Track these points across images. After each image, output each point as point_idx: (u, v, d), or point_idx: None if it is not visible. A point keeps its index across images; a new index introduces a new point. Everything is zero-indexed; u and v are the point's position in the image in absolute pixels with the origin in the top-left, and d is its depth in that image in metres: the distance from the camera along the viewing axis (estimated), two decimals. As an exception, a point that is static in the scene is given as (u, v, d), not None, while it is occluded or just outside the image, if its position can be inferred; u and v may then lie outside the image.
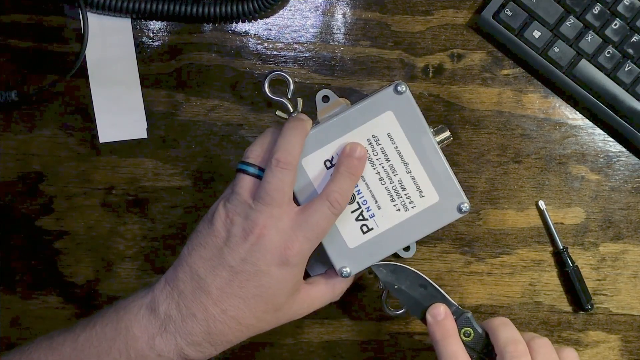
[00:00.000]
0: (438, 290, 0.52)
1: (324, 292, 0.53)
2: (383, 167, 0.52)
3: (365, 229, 0.52)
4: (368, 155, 0.52)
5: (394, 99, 0.51)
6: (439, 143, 0.52)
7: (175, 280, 0.49)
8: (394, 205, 0.52)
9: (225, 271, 0.48)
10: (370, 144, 0.52)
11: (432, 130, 0.52)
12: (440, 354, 0.50)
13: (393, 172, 0.52)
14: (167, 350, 0.48)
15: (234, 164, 0.54)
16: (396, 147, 0.52)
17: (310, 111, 0.53)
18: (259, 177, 0.49)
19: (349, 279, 0.53)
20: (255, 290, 0.48)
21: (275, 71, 0.53)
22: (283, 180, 0.48)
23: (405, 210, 0.52)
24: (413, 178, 0.52)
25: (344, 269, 0.52)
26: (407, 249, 0.54)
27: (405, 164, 0.52)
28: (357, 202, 0.52)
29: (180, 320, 0.48)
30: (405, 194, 0.52)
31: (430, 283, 0.52)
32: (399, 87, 0.51)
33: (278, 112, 0.53)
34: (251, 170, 0.49)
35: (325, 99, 0.53)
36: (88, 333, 0.49)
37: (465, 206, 0.52)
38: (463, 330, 0.51)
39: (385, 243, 0.52)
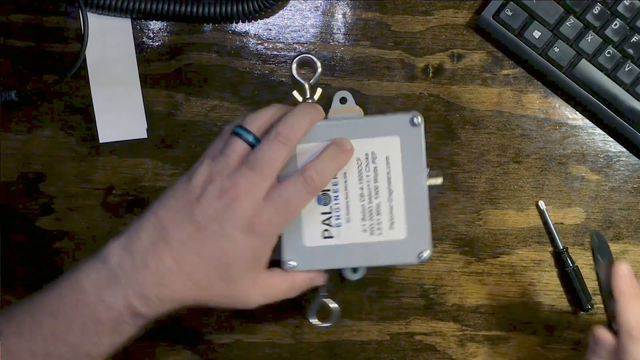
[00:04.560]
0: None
1: (282, 283, 0.51)
2: (369, 185, 0.51)
3: (326, 234, 0.52)
4: (359, 169, 0.51)
5: (406, 126, 0.51)
6: (429, 186, 0.52)
7: (137, 229, 0.48)
8: (362, 225, 0.52)
9: (191, 226, 0.47)
10: (367, 159, 0.51)
11: (428, 170, 0.52)
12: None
13: (375, 194, 0.51)
14: (116, 303, 0.46)
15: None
16: (388, 173, 0.51)
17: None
18: (253, 146, 0.49)
19: (310, 279, 0.52)
20: (215, 251, 0.47)
21: (305, 53, 0.53)
22: (277, 153, 0.48)
23: (370, 234, 0.52)
24: (391, 207, 0.51)
25: (290, 262, 0.51)
26: (355, 270, 0.54)
27: (390, 191, 0.51)
28: (330, 207, 0.52)
29: (132, 269, 0.47)
30: (377, 219, 0.51)
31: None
32: (414, 119, 0.51)
33: (295, 93, 0.53)
34: (249, 137, 0.49)
35: (343, 100, 0.53)
36: (44, 293, 0.48)
37: (426, 254, 0.51)
38: None
39: (338, 256, 0.52)
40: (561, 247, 0.59)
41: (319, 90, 0.53)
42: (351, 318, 0.60)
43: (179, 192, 0.48)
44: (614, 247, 0.61)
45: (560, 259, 0.60)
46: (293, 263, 0.51)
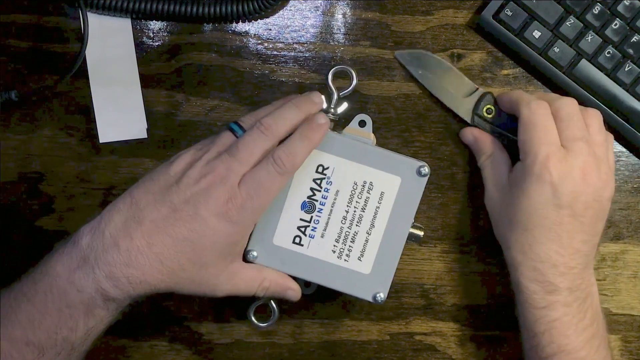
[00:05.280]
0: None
1: (251, 279, 0.51)
2: (355, 212, 0.52)
3: (297, 240, 0.52)
4: (352, 192, 0.52)
5: (411, 172, 0.52)
6: (410, 234, 0.53)
7: (110, 210, 0.48)
8: (334, 246, 0.52)
9: (165, 207, 0.47)
10: (363, 186, 0.52)
11: (413, 222, 0.53)
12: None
13: (357, 223, 0.52)
14: (87, 285, 0.46)
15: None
16: (377, 207, 0.52)
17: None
18: None
19: (281, 287, 0.52)
20: (187, 234, 0.47)
21: (342, 66, 0.54)
22: (256, 141, 0.48)
23: (338, 257, 0.52)
24: (366, 241, 0.52)
25: (252, 252, 0.52)
26: (309, 285, 0.55)
27: (372, 226, 0.52)
28: (311, 217, 0.52)
29: (102, 249, 0.46)
30: (350, 246, 0.52)
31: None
32: (422, 169, 0.52)
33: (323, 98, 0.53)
34: (238, 131, 0.50)
35: (362, 123, 0.54)
36: (20, 282, 0.47)
37: (381, 297, 0.52)
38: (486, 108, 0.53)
39: (300, 265, 0.52)
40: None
41: (345, 105, 0.54)
42: (351, 318, 0.60)
43: (159, 176, 0.48)
44: (614, 247, 0.61)
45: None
46: (254, 253, 0.52)
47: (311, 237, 0.52)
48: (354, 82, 0.54)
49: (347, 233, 0.52)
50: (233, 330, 0.60)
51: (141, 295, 0.48)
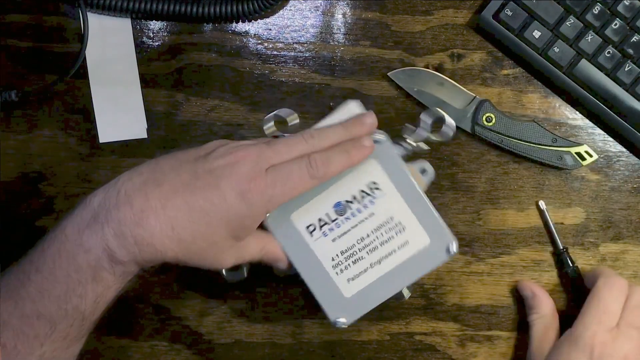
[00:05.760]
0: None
1: (255, 249, 0.50)
2: (374, 241, 0.52)
3: (310, 229, 0.52)
4: (383, 225, 0.51)
5: (441, 243, 0.51)
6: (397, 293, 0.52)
7: (132, 172, 0.47)
8: (337, 256, 0.52)
9: (188, 174, 0.46)
10: (396, 226, 0.52)
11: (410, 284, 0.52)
12: None
13: (369, 251, 0.52)
14: (94, 244, 0.44)
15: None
16: (393, 251, 0.52)
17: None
18: None
19: (275, 255, 0.51)
20: (203, 203, 0.45)
21: (436, 109, 0.53)
22: (296, 143, 0.48)
23: (333, 267, 0.52)
24: (365, 271, 0.52)
25: (340, 319, 0.52)
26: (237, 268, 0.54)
27: (378, 262, 0.52)
28: (337, 219, 0.52)
29: (114, 206, 0.44)
30: (348, 265, 0.52)
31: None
32: (450, 247, 0.51)
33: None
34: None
35: (424, 171, 0.53)
36: (30, 253, 0.46)
37: (341, 322, 0.51)
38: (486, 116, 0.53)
39: (297, 249, 0.52)
40: (561, 248, 0.59)
41: (426, 147, 0.53)
42: (351, 318, 0.60)
43: (190, 150, 0.48)
44: (614, 247, 0.61)
45: (560, 259, 0.60)
46: (343, 320, 0.51)
47: (324, 235, 0.52)
48: (451, 134, 0.52)
49: (354, 253, 0.52)
50: (233, 330, 0.60)
51: (147, 260, 0.45)
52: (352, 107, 0.52)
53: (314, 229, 0.52)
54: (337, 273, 0.52)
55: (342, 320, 0.51)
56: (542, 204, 0.60)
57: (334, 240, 0.52)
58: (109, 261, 0.45)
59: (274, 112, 0.52)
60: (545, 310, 0.57)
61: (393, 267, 0.51)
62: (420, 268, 0.51)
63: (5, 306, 0.45)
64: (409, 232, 0.51)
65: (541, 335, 0.57)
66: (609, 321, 0.53)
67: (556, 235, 0.60)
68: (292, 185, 0.47)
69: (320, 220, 0.52)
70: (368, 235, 0.52)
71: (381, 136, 0.51)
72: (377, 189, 0.51)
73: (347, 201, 0.52)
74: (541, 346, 0.56)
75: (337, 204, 0.52)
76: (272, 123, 0.52)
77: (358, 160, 0.50)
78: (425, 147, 0.53)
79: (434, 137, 0.53)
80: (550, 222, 0.60)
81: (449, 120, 0.52)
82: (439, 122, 0.53)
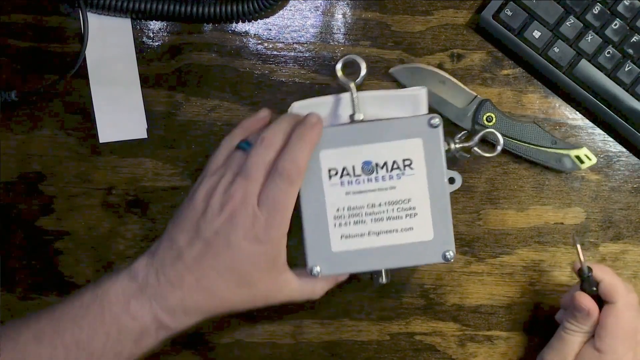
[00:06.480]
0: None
1: (305, 286, 0.52)
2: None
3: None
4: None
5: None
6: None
7: (157, 250, 0.50)
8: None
9: (201, 243, 0.49)
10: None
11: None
12: None
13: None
14: (142, 314, 0.49)
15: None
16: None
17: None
18: None
19: (332, 280, 0.54)
20: (228, 263, 0.49)
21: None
22: (261, 155, 0.49)
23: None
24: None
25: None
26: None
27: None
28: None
29: (157, 285, 0.49)
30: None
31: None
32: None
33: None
34: (247, 147, 0.51)
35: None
36: (65, 304, 0.50)
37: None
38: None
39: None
40: (587, 273, 0.54)
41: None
42: (351, 318, 0.60)
43: (185, 212, 0.51)
44: (614, 247, 0.61)
45: (582, 279, 0.54)
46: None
47: (340, 184, 0.51)
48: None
49: (360, 214, 0.51)
50: (233, 330, 0.60)
51: (197, 322, 0.51)
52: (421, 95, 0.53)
53: (335, 174, 0.52)
54: (334, 225, 0.52)
55: (318, 269, 0.52)
56: (576, 239, 0.55)
57: (347, 193, 0.52)
58: (156, 328, 0.49)
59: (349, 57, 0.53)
60: (590, 329, 0.54)
61: (387, 244, 0.51)
62: (410, 258, 0.52)
63: (35, 348, 0.48)
64: (417, 221, 0.51)
65: (570, 348, 0.54)
66: (634, 341, 0.53)
67: (583, 260, 0.54)
68: (283, 205, 0.49)
69: (344, 169, 0.52)
70: (380, 205, 0.51)
71: (437, 120, 0.51)
72: (409, 167, 0.51)
73: (377, 164, 0.51)
74: (564, 356, 0.54)
75: (367, 163, 0.51)
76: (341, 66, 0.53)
77: (316, 138, 0.50)
78: (466, 155, 0.54)
79: (479, 151, 0.53)
80: (580, 252, 0.54)
81: (502, 142, 0.53)
82: (492, 140, 0.54)
